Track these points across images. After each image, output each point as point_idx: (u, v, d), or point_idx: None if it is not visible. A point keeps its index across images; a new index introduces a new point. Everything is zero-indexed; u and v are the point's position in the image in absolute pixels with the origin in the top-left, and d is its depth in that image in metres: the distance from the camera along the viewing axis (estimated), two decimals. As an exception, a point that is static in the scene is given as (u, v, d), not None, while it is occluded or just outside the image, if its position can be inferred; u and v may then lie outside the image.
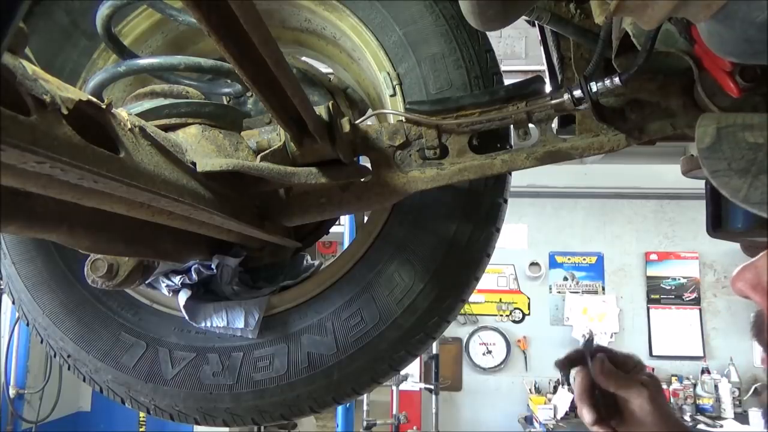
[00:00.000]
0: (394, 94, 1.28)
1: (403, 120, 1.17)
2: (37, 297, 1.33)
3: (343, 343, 1.25)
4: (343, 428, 4.32)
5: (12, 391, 4.48)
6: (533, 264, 6.40)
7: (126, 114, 0.77)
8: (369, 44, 1.30)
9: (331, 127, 1.03)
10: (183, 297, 1.26)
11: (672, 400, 5.37)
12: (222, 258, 1.24)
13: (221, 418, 1.32)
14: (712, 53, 0.78)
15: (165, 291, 1.26)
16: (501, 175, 1.25)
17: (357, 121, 1.18)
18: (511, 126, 1.16)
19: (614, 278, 6.32)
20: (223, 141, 1.07)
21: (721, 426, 5.15)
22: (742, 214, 1.16)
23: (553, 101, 1.09)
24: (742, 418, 5.33)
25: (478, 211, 1.26)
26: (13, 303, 1.39)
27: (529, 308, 6.37)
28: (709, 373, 5.73)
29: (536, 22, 1.12)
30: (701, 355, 6.01)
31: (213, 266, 1.24)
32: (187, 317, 1.27)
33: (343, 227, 4.46)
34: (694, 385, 5.69)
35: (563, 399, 5.46)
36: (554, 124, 1.16)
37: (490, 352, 6.29)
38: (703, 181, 1.19)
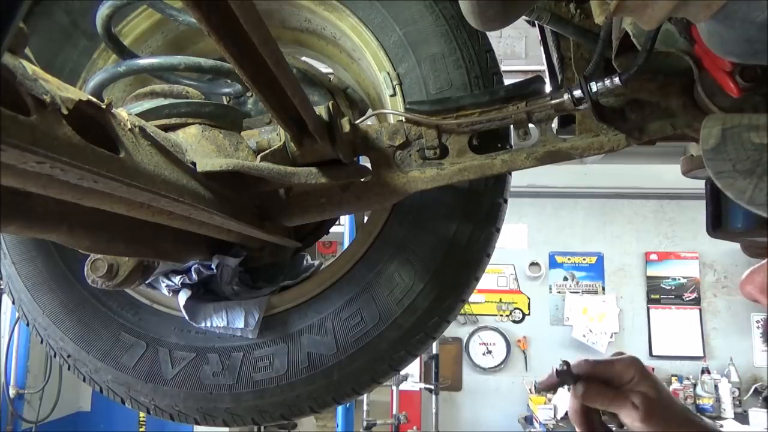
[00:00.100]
0: (394, 94, 1.28)
1: (403, 120, 1.17)
2: (37, 297, 1.33)
3: (343, 343, 1.25)
4: (343, 428, 4.32)
5: (12, 391, 4.48)
6: (533, 264, 6.40)
7: (126, 114, 0.77)
8: (369, 44, 1.30)
9: (331, 127, 1.03)
10: (183, 297, 1.26)
11: (672, 400, 5.36)
12: (222, 258, 1.24)
13: (221, 418, 1.32)
14: (712, 53, 0.78)
15: (165, 291, 1.26)
16: (501, 175, 1.25)
17: (357, 121, 1.18)
18: (511, 126, 1.16)
19: (614, 278, 6.32)
20: (223, 141, 1.07)
21: (721, 426, 5.15)
22: (742, 214, 1.16)
23: (553, 101, 1.09)
24: (742, 418, 5.33)
25: (478, 211, 1.26)
26: (13, 303, 1.39)
27: (529, 308, 6.37)
28: (709, 373, 5.74)
29: (536, 22, 1.12)
30: (701, 355, 6.01)
31: (213, 266, 1.24)
32: (187, 317, 1.27)
33: (343, 227, 4.46)
34: (694, 385, 5.70)
35: (563, 399, 5.46)
36: (554, 124, 1.16)
37: (490, 352, 6.29)
38: (703, 181, 1.19)
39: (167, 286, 1.25)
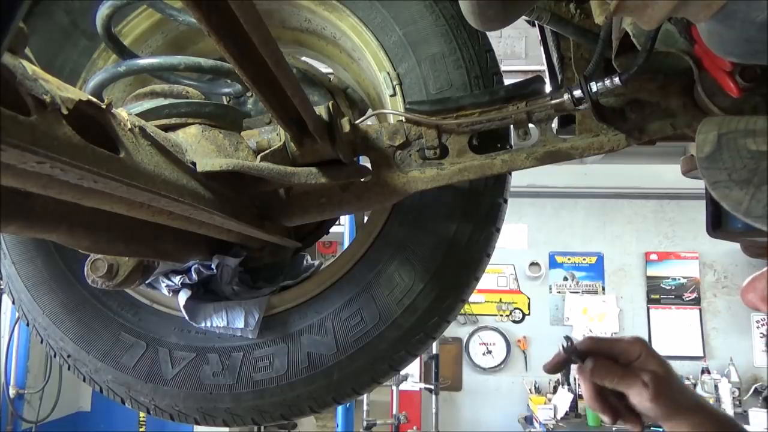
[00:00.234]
0: (394, 94, 1.28)
1: (403, 120, 1.17)
2: (37, 297, 1.33)
3: (343, 343, 1.25)
4: (343, 428, 4.32)
5: (12, 391, 4.48)
6: (533, 264, 6.40)
7: (126, 114, 0.77)
8: (369, 44, 1.30)
9: (331, 127, 1.03)
10: (183, 297, 1.26)
11: (672, 400, 5.36)
12: (222, 258, 1.24)
13: (221, 418, 1.32)
14: (712, 53, 0.78)
15: (165, 291, 1.26)
16: (501, 175, 1.25)
17: (357, 121, 1.18)
18: (511, 126, 1.16)
19: (614, 278, 6.33)
20: (223, 141, 1.07)
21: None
22: (742, 215, 1.16)
23: (553, 101, 1.09)
24: (742, 418, 5.32)
25: (478, 211, 1.26)
26: (13, 303, 1.39)
27: (529, 308, 6.37)
28: (709, 373, 5.74)
29: (536, 22, 1.12)
30: (701, 355, 6.01)
31: (213, 266, 1.24)
32: (187, 317, 1.27)
33: (343, 227, 4.46)
34: (694, 385, 5.69)
35: (563, 399, 5.46)
36: (554, 124, 1.16)
37: (490, 352, 6.29)
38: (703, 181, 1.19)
39: (167, 286, 1.25)
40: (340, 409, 4.25)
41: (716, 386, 5.55)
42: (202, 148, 1.04)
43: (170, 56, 1.23)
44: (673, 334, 6.11)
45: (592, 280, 6.34)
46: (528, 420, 5.72)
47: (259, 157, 1.03)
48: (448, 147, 1.15)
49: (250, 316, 1.27)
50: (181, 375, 1.28)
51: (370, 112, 1.54)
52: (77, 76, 1.37)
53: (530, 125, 1.15)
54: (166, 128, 1.03)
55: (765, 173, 0.66)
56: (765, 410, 5.31)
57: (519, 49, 4.42)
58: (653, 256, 6.29)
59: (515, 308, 6.36)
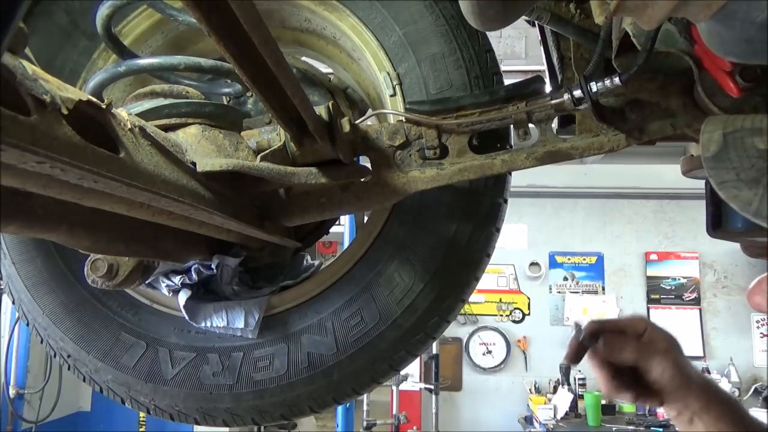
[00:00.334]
0: (394, 94, 1.28)
1: (403, 120, 1.17)
2: (37, 297, 1.33)
3: (343, 343, 1.25)
4: (343, 428, 4.32)
5: (12, 391, 4.48)
6: (533, 264, 6.40)
7: (126, 114, 0.77)
8: (369, 44, 1.30)
9: (331, 127, 1.03)
10: (183, 297, 1.26)
11: (672, 400, 5.36)
12: (222, 258, 1.24)
13: (221, 418, 1.32)
14: (712, 53, 0.78)
15: (165, 291, 1.26)
16: (501, 175, 1.25)
17: (357, 121, 1.18)
18: (511, 126, 1.16)
19: (614, 278, 6.32)
20: (223, 141, 1.07)
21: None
22: (742, 215, 1.16)
23: (553, 101, 1.09)
24: (742, 418, 5.32)
25: (478, 211, 1.26)
26: (13, 303, 1.39)
27: (529, 308, 6.37)
28: (709, 373, 5.72)
29: (536, 22, 1.12)
30: (701, 355, 6.01)
31: (213, 266, 1.24)
32: (187, 317, 1.27)
33: (343, 227, 4.46)
34: (694, 385, 5.69)
35: (563, 399, 5.46)
36: (554, 124, 1.16)
37: (490, 352, 6.29)
38: (703, 181, 1.19)
39: (167, 286, 1.25)
40: (340, 409, 4.25)
41: (716, 386, 5.55)
42: (202, 148, 1.04)
43: (170, 56, 1.23)
44: (673, 334, 6.10)
45: (592, 280, 6.34)
46: (528, 420, 5.71)
47: (259, 157, 1.04)
48: (448, 147, 1.15)
49: (250, 316, 1.27)
50: (181, 375, 1.28)
51: (370, 112, 1.54)
52: (77, 76, 1.37)
53: (530, 125, 1.15)
54: (166, 128, 1.03)
55: None
56: (765, 410, 5.30)
57: (519, 49, 4.42)
58: (653, 256, 6.29)
59: (515, 308, 6.36)
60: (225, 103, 1.43)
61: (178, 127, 1.06)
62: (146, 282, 1.19)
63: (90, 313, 1.31)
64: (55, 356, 1.36)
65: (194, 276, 1.24)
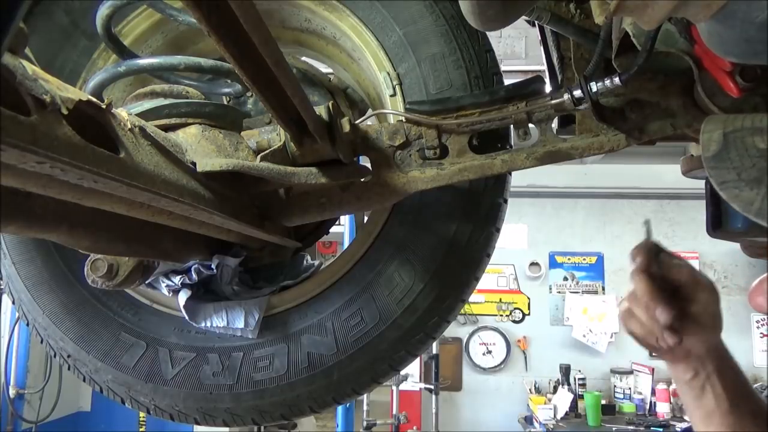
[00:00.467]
0: (394, 94, 1.28)
1: (403, 120, 1.17)
2: (37, 297, 1.33)
3: (343, 343, 1.25)
4: (343, 428, 4.32)
5: (12, 391, 4.48)
6: (533, 264, 6.39)
7: (126, 114, 0.77)
8: (369, 44, 1.30)
9: (331, 127, 1.03)
10: (183, 297, 1.26)
11: (672, 400, 5.37)
12: (222, 258, 1.24)
13: (221, 418, 1.32)
14: (712, 53, 0.78)
15: (165, 291, 1.26)
16: (501, 175, 1.25)
17: (357, 121, 1.18)
18: (511, 126, 1.16)
19: (614, 278, 6.32)
20: (223, 141, 1.07)
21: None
22: (742, 215, 1.16)
23: (553, 101, 1.09)
24: (742, 418, 5.32)
25: (478, 211, 1.26)
26: (13, 303, 1.39)
27: (529, 308, 6.37)
28: (709, 373, 5.73)
29: (536, 22, 1.12)
30: (701, 355, 6.00)
31: (213, 266, 1.24)
32: (187, 317, 1.27)
33: (343, 227, 4.46)
34: (694, 386, 5.69)
35: (563, 399, 5.46)
36: (554, 124, 1.16)
37: (490, 352, 6.28)
38: (703, 181, 1.19)
39: (167, 286, 1.25)
40: (340, 409, 4.24)
41: (716, 386, 5.55)
42: (202, 148, 1.04)
43: (170, 56, 1.23)
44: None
45: (592, 280, 6.33)
46: (528, 420, 5.71)
47: (259, 157, 1.04)
48: (448, 147, 1.15)
49: (250, 316, 1.27)
50: (181, 375, 1.28)
51: (370, 112, 1.54)
52: (77, 76, 1.37)
53: (530, 125, 1.15)
54: (166, 128, 1.03)
55: None
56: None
57: (519, 49, 4.41)
58: (653, 256, 6.27)
59: (515, 308, 6.36)
60: (225, 103, 1.43)
61: (178, 127, 1.06)
62: (146, 282, 1.19)
63: (90, 313, 1.31)
64: (55, 356, 1.36)
65: (194, 276, 1.24)
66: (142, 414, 4.75)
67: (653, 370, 5.65)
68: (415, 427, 5.55)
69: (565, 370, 5.66)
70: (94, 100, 0.67)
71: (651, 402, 5.48)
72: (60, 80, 0.64)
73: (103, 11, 1.13)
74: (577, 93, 1.04)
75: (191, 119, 1.07)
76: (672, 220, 6.28)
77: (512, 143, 1.21)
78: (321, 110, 1.02)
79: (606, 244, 6.35)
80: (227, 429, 3.57)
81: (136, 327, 1.31)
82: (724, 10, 0.61)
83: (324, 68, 1.59)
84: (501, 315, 6.35)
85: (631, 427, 5.05)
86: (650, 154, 4.65)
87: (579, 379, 5.61)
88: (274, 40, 0.72)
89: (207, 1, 0.62)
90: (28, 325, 1.38)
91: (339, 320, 1.25)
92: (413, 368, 5.59)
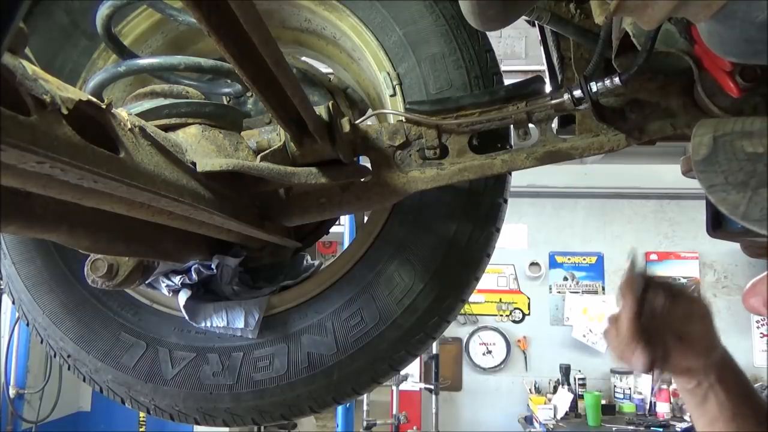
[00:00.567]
0: (394, 94, 1.28)
1: (403, 120, 1.17)
2: (37, 297, 1.33)
3: (343, 343, 1.25)
4: (343, 428, 4.32)
5: (12, 391, 4.48)
6: (533, 264, 6.39)
7: (126, 114, 0.77)
8: (369, 44, 1.30)
9: (331, 127, 1.03)
10: (183, 297, 1.26)
11: (672, 400, 5.37)
12: (222, 258, 1.24)
13: (221, 418, 1.32)
14: (712, 53, 0.77)
15: (165, 291, 1.26)
16: (501, 175, 1.25)
17: (357, 121, 1.18)
18: (511, 126, 1.16)
19: (614, 278, 6.31)
20: (223, 141, 1.07)
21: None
22: (742, 215, 1.16)
23: (553, 101, 1.09)
24: (742, 418, 5.31)
25: (478, 211, 1.26)
26: (13, 303, 1.39)
27: (529, 308, 6.37)
28: (709, 373, 5.73)
29: (536, 22, 1.12)
30: (701, 355, 6.00)
31: (213, 266, 1.24)
32: (187, 317, 1.27)
33: (343, 227, 4.46)
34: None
35: (563, 399, 5.46)
36: (554, 124, 1.16)
37: (490, 352, 6.28)
38: (704, 181, 1.19)
39: (167, 286, 1.25)
40: (340, 409, 4.24)
41: (716, 386, 5.55)
42: (202, 148, 1.04)
43: (170, 56, 1.23)
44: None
45: (592, 280, 6.33)
46: (528, 420, 5.71)
47: (259, 157, 1.03)
48: (448, 147, 1.15)
49: (250, 316, 1.27)
50: (181, 375, 1.28)
51: (370, 112, 1.54)
52: (77, 76, 1.37)
53: (530, 125, 1.15)
54: (166, 128, 1.03)
55: (763, 175, 0.64)
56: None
57: (519, 49, 4.41)
58: (653, 256, 6.28)
59: (515, 308, 6.36)
60: (225, 103, 1.43)
61: (178, 127, 1.06)
62: (146, 282, 1.19)
63: (90, 313, 1.31)
64: (55, 356, 1.36)
65: (194, 276, 1.24)
66: (142, 414, 4.75)
67: (653, 370, 5.65)
68: (415, 427, 5.55)
69: (565, 370, 5.66)
70: (94, 100, 0.67)
71: (651, 402, 5.48)
72: (60, 80, 0.64)
73: (103, 11, 1.13)
74: (577, 93, 1.04)
75: (191, 119, 1.07)
76: (672, 220, 6.28)
77: (512, 143, 1.21)
78: (321, 110, 1.02)
79: (606, 244, 6.35)
80: (227, 429, 3.57)
81: (136, 327, 1.31)
82: (724, 10, 0.61)
83: (324, 68, 1.59)
84: (501, 315, 6.35)
85: (631, 427, 5.05)
86: (650, 154, 4.65)
87: (579, 379, 5.61)
88: (274, 40, 0.72)
89: (207, 1, 0.62)
90: (28, 325, 1.38)
91: (339, 320, 1.25)
92: (413, 368, 5.59)
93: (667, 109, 1.08)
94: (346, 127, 1.10)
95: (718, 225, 1.20)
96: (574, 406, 5.42)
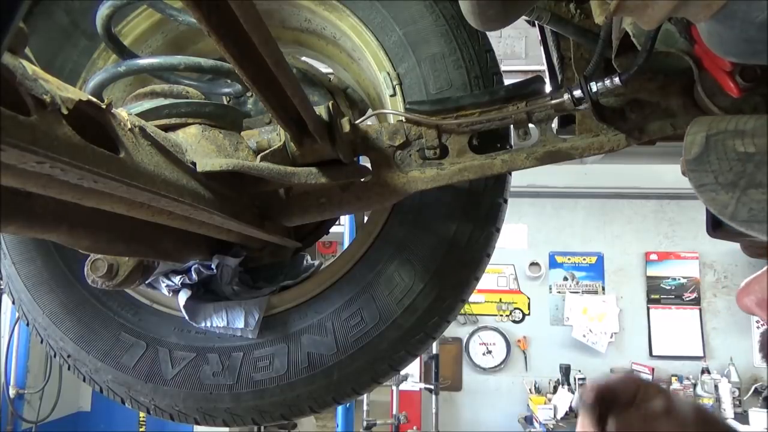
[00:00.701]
0: (394, 94, 1.28)
1: (403, 120, 1.17)
2: (37, 297, 1.33)
3: (343, 343, 1.24)
4: (343, 428, 4.31)
5: (12, 391, 4.48)
6: (533, 264, 6.40)
7: (126, 114, 0.77)
8: (369, 44, 1.30)
9: (331, 127, 1.03)
10: (183, 297, 1.26)
11: (672, 400, 5.36)
12: (222, 258, 1.24)
13: (221, 418, 1.32)
14: (712, 53, 0.77)
15: (165, 291, 1.26)
16: (501, 175, 1.25)
17: (357, 121, 1.18)
18: (511, 126, 1.16)
19: (614, 278, 6.32)
20: (223, 141, 1.07)
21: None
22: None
23: (553, 101, 1.09)
24: (742, 418, 5.32)
25: (478, 211, 1.26)
26: (13, 303, 1.39)
27: (529, 308, 6.37)
28: (709, 373, 5.73)
29: (536, 22, 1.12)
30: (701, 355, 6.01)
31: (213, 266, 1.24)
32: (187, 317, 1.27)
33: (343, 227, 4.46)
34: (694, 385, 5.69)
35: (563, 399, 5.46)
36: (554, 124, 1.16)
37: (490, 352, 6.28)
38: (703, 181, 1.19)
39: (167, 286, 1.25)
40: (340, 409, 4.24)
41: (716, 386, 5.55)
42: (202, 148, 1.03)
43: (170, 56, 1.23)
44: (673, 334, 6.11)
45: (592, 280, 6.33)
46: (528, 420, 5.71)
47: (259, 157, 1.03)
48: (448, 147, 1.15)
49: (250, 316, 1.27)
50: (181, 375, 1.28)
51: (370, 112, 1.54)
52: (77, 76, 1.37)
53: (530, 125, 1.15)
54: (166, 128, 1.03)
55: (753, 176, 0.63)
56: (765, 410, 5.30)
57: (519, 49, 4.41)
58: (653, 256, 6.28)
59: (515, 308, 6.36)
60: (225, 103, 1.43)
61: (178, 127, 1.06)
62: (146, 282, 1.19)
63: (90, 313, 1.31)
64: (55, 356, 1.36)
65: (194, 276, 1.24)
66: (142, 414, 4.76)
67: (653, 369, 5.66)
68: (415, 427, 5.55)
69: (565, 370, 5.66)
70: (94, 100, 0.67)
71: (651, 402, 5.47)
72: (60, 80, 0.64)
73: (103, 11, 1.13)
74: (577, 93, 1.04)
75: (191, 119, 1.07)
76: (672, 220, 6.29)
77: (512, 143, 1.21)
78: (321, 110, 1.02)
79: (606, 244, 6.36)
80: (227, 429, 3.57)
81: (136, 327, 1.31)
82: (724, 10, 0.61)
83: (324, 68, 1.59)
84: (501, 315, 6.35)
85: (631, 427, 5.04)
86: (650, 154, 4.64)
87: (579, 379, 5.61)
88: (274, 40, 0.72)
89: (207, 1, 0.62)
90: (28, 325, 1.38)
91: (339, 320, 1.25)
92: (413, 368, 5.59)
93: (667, 109, 1.08)
94: (346, 127, 1.10)
95: (718, 225, 1.20)
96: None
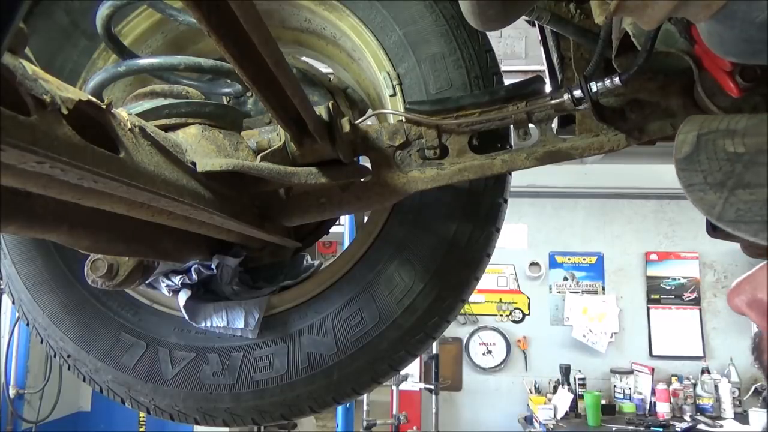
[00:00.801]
0: (394, 94, 1.28)
1: (403, 120, 1.17)
2: (37, 297, 1.33)
3: (343, 343, 1.25)
4: (343, 428, 4.31)
5: (12, 391, 4.48)
6: (533, 264, 6.39)
7: (126, 114, 0.77)
8: (369, 44, 1.30)
9: (331, 127, 1.03)
10: (183, 297, 1.26)
11: (672, 400, 5.37)
12: (222, 258, 1.24)
13: (221, 418, 1.32)
14: (712, 53, 0.77)
15: (165, 291, 1.26)
16: (501, 175, 1.25)
17: (357, 121, 1.18)
18: (511, 126, 1.16)
19: (614, 278, 6.32)
20: (223, 141, 1.07)
21: (721, 426, 5.15)
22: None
23: (553, 101, 1.09)
24: (742, 418, 5.32)
25: (478, 211, 1.26)
26: (13, 303, 1.39)
27: (529, 308, 6.37)
28: (709, 373, 5.73)
29: (536, 22, 1.12)
30: (701, 355, 6.01)
31: (213, 266, 1.24)
32: (187, 317, 1.27)
33: (343, 227, 4.45)
34: (694, 385, 5.69)
35: (563, 399, 5.46)
36: (554, 124, 1.16)
37: (490, 352, 6.28)
38: (703, 181, 1.19)
39: (167, 286, 1.25)
40: (340, 409, 4.24)
41: (716, 386, 5.55)
42: (202, 148, 1.04)
43: (170, 56, 1.23)
44: (673, 334, 6.11)
45: (592, 280, 6.33)
46: (528, 420, 5.71)
47: (259, 157, 1.04)
48: (448, 147, 1.15)
49: (250, 316, 1.27)
50: (181, 375, 1.28)
51: (370, 112, 1.54)
52: (77, 76, 1.37)
53: (530, 125, 1.15)
54: (166, 128, 1.03)
55: (741, 176, 0.62)
56: (765, 410, 5.30)
57: (519, 49, 4.41)
58: (653, 256, 6.28)
59: (515, 308, 6.36)
60: (225, 103, 1.43)
61: (178, 127, 1.06)
62: (146, 282, 1.19)
63: (90, 313, 1.31)
64: (55, 356, 1.36)
65: (194, 276, 1.24)
66: (142, 414, 4.76)
67: (653, 370, 5.66)
68: (415, 427, 5.55)
69: (565, 370, 5.66)
70: (94, 100, 0.67)
71: (651, 402, 5.48)
72: (60, 80, 0.64)
73: (103, 11, 1.13)
74: (577, 93, 1.04)
75: (191, 119, 1.07)
76: (672, 220, 6.29)
77: (512, 143, 1.21)
78: (321, 110, 1.02)
79: (606, 244, 6.35)
80: (227, 429, 3.57)
81: (136, 327, 1.31)
82: (724, 10, 0.61)
83: (324, 68, 1.59)
84: (501, 315, 6.35)
85: (631, 427, 5.05)
86: (650, 154, 4.64)
87: (579, 379, 5.61)
88: (274, 40, 0.72)
89: (207, 1, 0.62)
90: (28, 325, 1.38)
91: (339, 320, 1.25)
92: (413, 368, 5.59)
93: (667, 109, 1.08)
94: (346, 127, 1.10)
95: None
96: (574, 406, 5.42)
